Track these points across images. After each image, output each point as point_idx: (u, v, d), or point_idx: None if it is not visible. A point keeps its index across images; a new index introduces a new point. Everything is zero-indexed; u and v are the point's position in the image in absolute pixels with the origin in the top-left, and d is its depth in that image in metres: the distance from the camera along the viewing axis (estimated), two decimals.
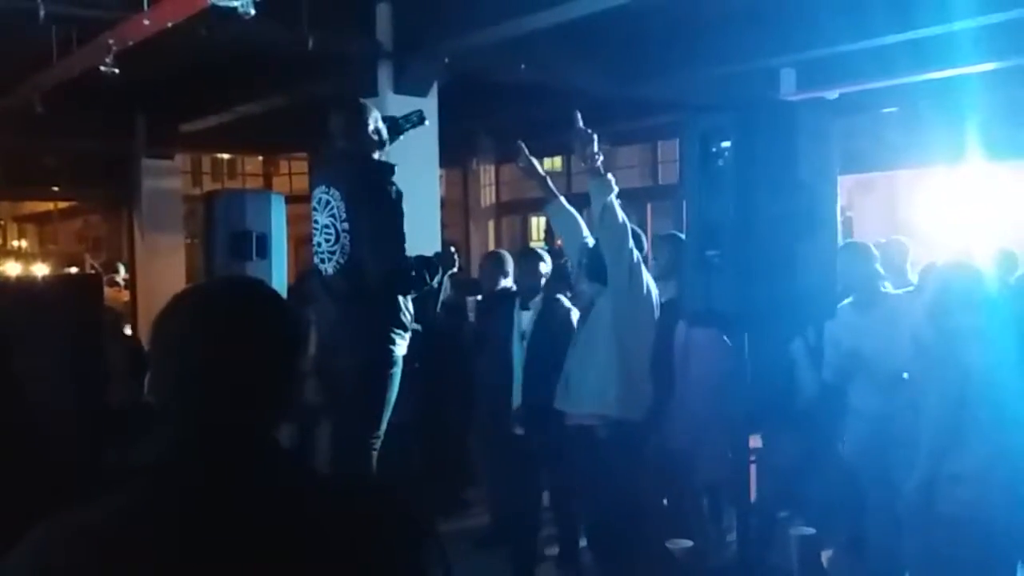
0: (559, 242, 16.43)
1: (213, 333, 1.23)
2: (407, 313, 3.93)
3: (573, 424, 4.33)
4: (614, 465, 4.17)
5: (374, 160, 3.91)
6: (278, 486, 1.20)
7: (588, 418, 4.23)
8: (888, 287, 4.92)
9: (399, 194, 3.81)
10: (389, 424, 3.87)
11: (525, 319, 5.30)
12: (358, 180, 3.85)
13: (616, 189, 4.15)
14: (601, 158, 4.17)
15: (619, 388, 4.15)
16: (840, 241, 3.97)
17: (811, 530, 4.04)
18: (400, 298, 3.89)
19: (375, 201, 3.79)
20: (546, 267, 5.40)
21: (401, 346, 3.89)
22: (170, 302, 1.26)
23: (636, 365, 4.22)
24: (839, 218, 3.60)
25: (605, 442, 4.17)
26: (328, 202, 3.84)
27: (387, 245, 3.77)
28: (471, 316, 6.63)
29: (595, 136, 4.16)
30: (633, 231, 4.30)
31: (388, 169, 3.87)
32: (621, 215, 4.12)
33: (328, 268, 3.85)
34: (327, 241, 3.83)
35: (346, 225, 3.77)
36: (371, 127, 3.94)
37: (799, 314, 3.44)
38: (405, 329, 3.92)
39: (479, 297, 6.83)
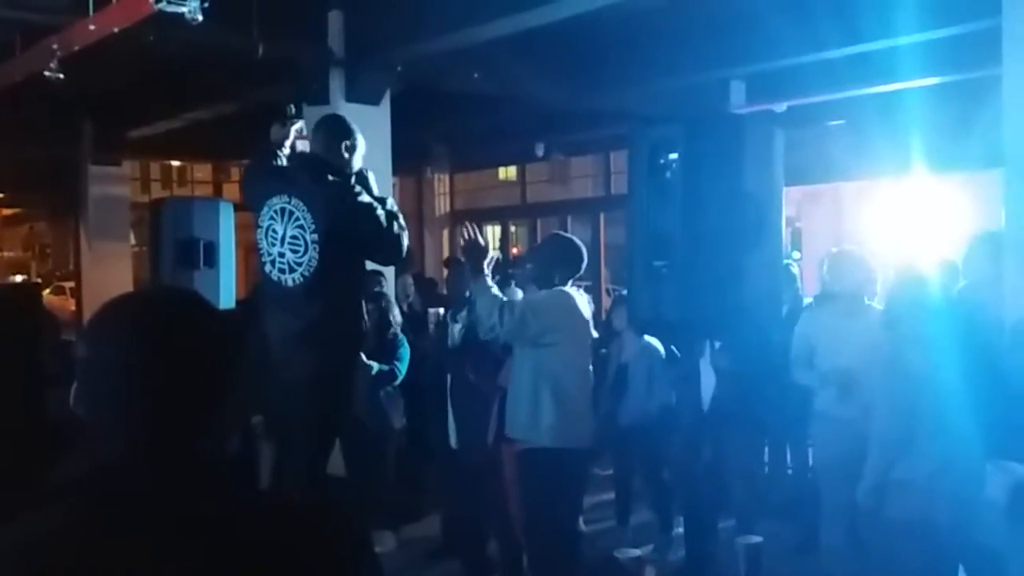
0: (515, 250, 16.34)
1: (139, 345, 1.20)
2: (365, 323, 3.94)
3: (515, 448, 4.29)
4: (550, 491, 4.09)
5: (344, 170, 3.88)
6: (212, 500, 1.18)
7: (521, 443, 4.18)
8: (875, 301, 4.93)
9: (372, 206, 3.82)
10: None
11: (456, 331, 5.24)
12: (333, 193, 3.80)
13: (499, 296, 4.06)
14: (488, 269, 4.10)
15: (548, 418, 4.04)
16: (785, 251, 4.03)
17: (758, 538, 4.08)
18: (360, 303, 3.90)
19: (354, 209, 3.78)
20: None
21: (361, 356, 3.90)
22: (98, 313, 1.24)
23: (568, 393, 4.08)
24: (785, 228, 3.65)
25: (537, 469, 4.10)
26: (292, 212, 3.79)
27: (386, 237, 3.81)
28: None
29: (488, 250, 4.12)
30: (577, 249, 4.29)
31: (347, 174, 3.87)
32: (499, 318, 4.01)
33: (291, 279, 3.78)
34: (293, 252, 3.76)
35: (315, 236, 3.72)
36: (345, 145, 3.91)
37: (745, 322, 3.48)
38: (364, 339, 3.92)
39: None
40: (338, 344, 3.81)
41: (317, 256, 3.71)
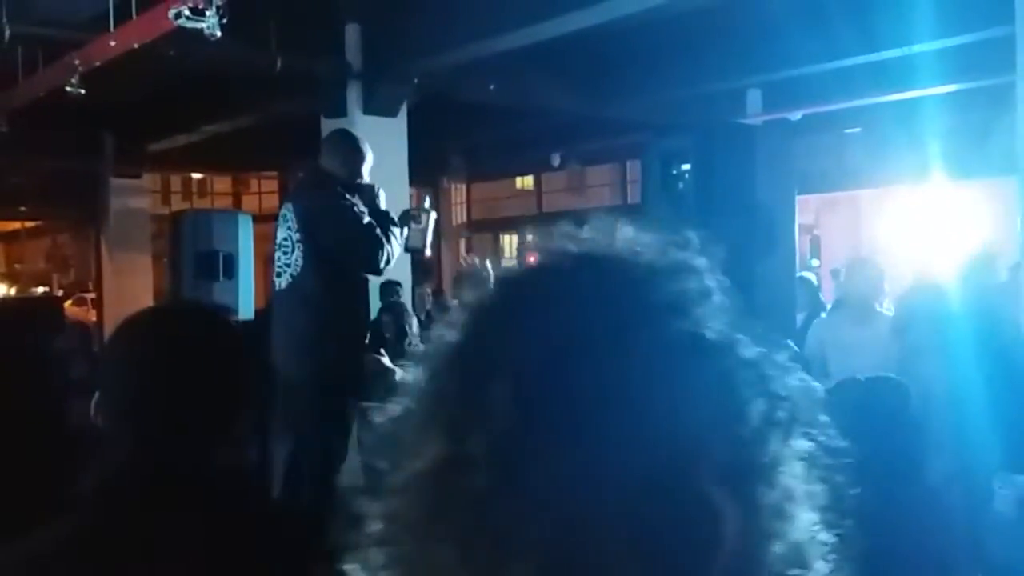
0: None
1: (153, 360, 1.23)
2: (364, 325, 3.97)
3: None
4: None
5: (327, 176, 3.95)
6: (217, 510, 1.20)
7: None
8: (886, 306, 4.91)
9: (354, 209, 3.87)
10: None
11: None
12: (315, 195, 3.92)
13: None
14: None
15: None
16: (804, 260, 4.02)
17: None
18: (356, 308, 3.94)
19: (328, 211, 3.86)
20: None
21: (359, 357, 3.91)
22: (119, 327, 1.27)
23: None
24: (803, 236, 3.66)
25: None
26: (285, 216, 3.93)
27: (361, 245, 3.85)
28: None
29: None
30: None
31: (346, 185, 3.93)
32: None
33: (282, 281, 3.90)
34: (285, 254, 3.89)
35: (298, 236, 3.84)
36: (341, 158, 3.98)
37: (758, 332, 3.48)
38: (362, 341, 3.93)
39: None
40: (329, 347, 3.84)
41: (301, 255, 3.82)
